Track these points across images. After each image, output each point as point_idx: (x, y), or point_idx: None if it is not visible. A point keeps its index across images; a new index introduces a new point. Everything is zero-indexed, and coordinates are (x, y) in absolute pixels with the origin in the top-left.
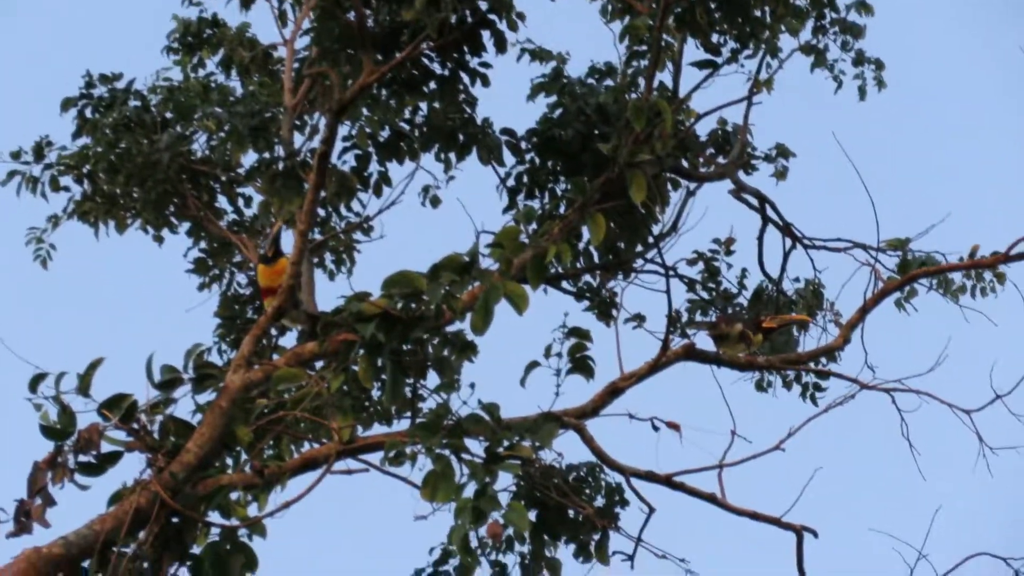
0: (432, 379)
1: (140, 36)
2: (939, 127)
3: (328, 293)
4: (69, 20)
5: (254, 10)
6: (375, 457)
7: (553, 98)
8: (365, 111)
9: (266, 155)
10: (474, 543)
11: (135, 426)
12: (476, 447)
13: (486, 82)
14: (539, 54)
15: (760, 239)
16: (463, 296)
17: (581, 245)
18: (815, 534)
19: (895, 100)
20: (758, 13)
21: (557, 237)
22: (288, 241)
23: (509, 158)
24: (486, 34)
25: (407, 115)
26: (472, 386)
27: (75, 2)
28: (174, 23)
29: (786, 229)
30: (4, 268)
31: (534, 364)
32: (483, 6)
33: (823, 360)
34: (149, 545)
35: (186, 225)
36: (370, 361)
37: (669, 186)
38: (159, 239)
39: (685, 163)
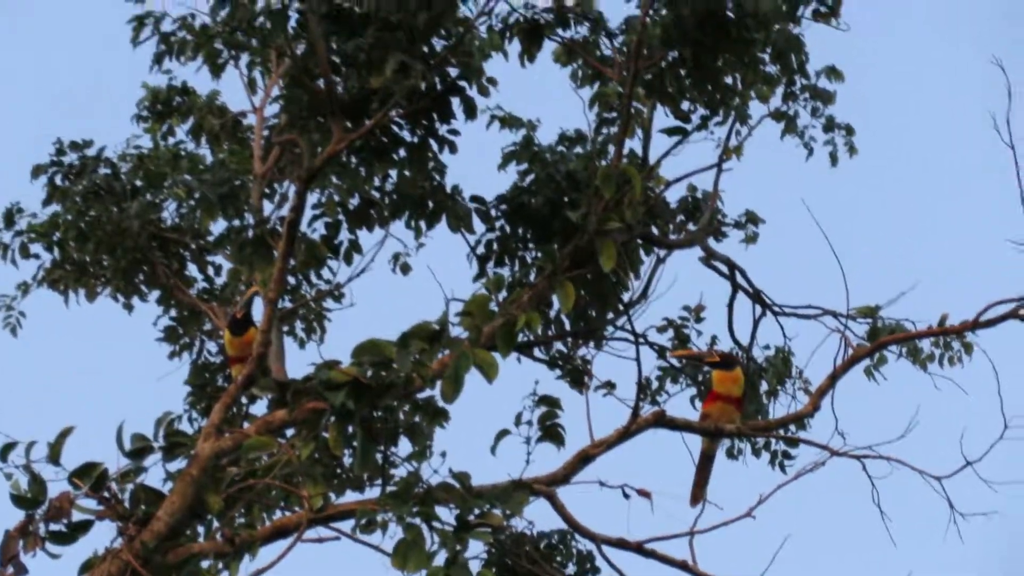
0: (403, 447)
1: (110, 104)
2: (910, 194)
3: (298, 361)
4: (40, 87)
5: (224, 78)
6: (346, 525)
7: (524, 166)
8: (334, 179)
9: (236, 223)
10: None
11: (106, 495)
12: (447, 515)
13: (454, 149)
14: (509, 121)
15: (730, 306)
16: (433, 364)
17: (551, 313)
18: None
19: (866, 166)
20: (728, 80)
21: (527, 305)
22: (258, 309)
23: (479, 225)
24: (456, 101)
25: (377, 182)
26: (443, 454)
27: (45, 70)
28: (144, 91)
29: (756, 296)
30: None
31: (504, 432)
32: (453, 72)
33: (792, 427)
34: None
35: (156, 293)
36: (340, 429)
37: (640, 253)
38: (129, 307)
39: (655, 230)
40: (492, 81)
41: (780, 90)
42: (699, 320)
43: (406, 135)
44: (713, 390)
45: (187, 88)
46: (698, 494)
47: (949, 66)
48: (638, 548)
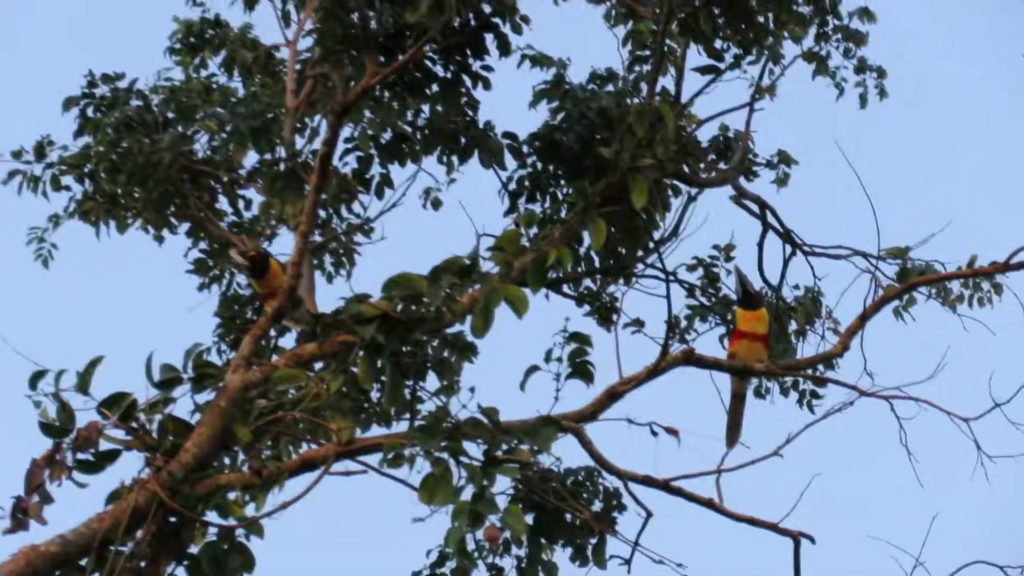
0: (432, 382)
1: (142, 37)
2: (939, 135)
3: (327, 296)
4: (72, 20)
5: (257, 11)
6: (374, 459)
7: (555, 103)
8: (367, 113)
9: (268, 156)
10: (471, 546)
11: (134, 425)
12: (475, 450)
13: (488, 85)
14: (540, 60)
15: (760, 245)
16: (463, 299)
17: (582, 250)
18: (812, 540)
19: (896, 107)
20: (761, 19)
21: (558, 241)
22: (288, 242)
23: (511, 162)
24: (489, 37)
25: (409, 117)
26: (472, 390)
27: (78, 2)
28: (176, 24)
29: (786, 236)
30: (5, 267)
31: (534, 368)
32: (487, 9)
33: (821, 367)
34: (147, 544)
35: (186, 225)
36: (370, 363)
37: (670, 192)
38: (160, 239)
39: (686, 169)
40: (525, 19)
41: (813, 30)
42: (729, 259)
43: (439, 70)
44: (737, 328)
45: (219, 21)
46: (733, 436)
47: (980, 6)
48: (665, 486)
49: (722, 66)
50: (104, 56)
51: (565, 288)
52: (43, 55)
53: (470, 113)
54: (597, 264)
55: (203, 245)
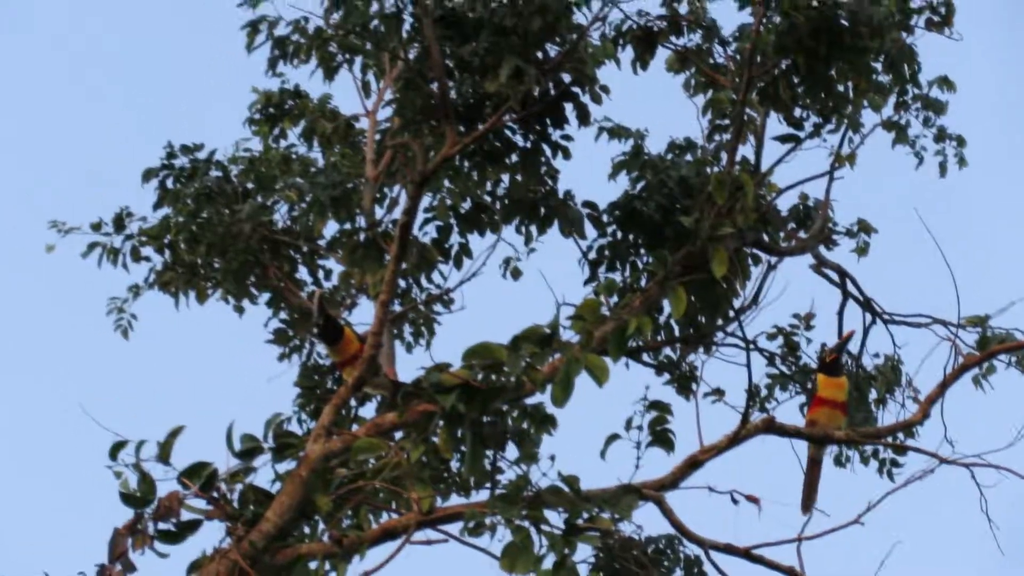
0: (512, 450)
1: (222, 108)
2: (1018, 203)
3: (406, 365)
4: (152, 91)
5: (336, 81)
6: (454, 528)
7: (634, 174)
8: (447, 183)
9: (347, 226)
10: None
11: (215, 494)
12: (555, 519)
13: (568, 155)
14: (617, 132)
15: (840, 314)
16: (544, 368)
17: (662, 318)
18: None
19: (975, 176)
20: (841, 88)
21: (638, 310)
22: (368, 312)
23: (591, 231)
24: (569, 106)
25: (489, 187)
26: (552, 458)
27: (158, 74)
28: (254, 95)
29: (866, 304)
30: (86, 338)
31: (614, 436)
32: (566, 79)
33: (901, 435)
34: None
35: (266, 295)
36: (450, 432)
37: (750, 260)
38: (239, 309)
39: (766, 237)
40: (605, 89)
41: (892, 99)
42: (809, 328)
43: (519, 140)
44: (818, 395)
45: (299, 91)
46: (809, 501)
47: None
48: (746, 554)
49: (802, 135)
50: (183, 127)
51: (645, 357)
52: (124, 126)
53: (549, 182)
54: (677, 333)
55: (283, 315)
